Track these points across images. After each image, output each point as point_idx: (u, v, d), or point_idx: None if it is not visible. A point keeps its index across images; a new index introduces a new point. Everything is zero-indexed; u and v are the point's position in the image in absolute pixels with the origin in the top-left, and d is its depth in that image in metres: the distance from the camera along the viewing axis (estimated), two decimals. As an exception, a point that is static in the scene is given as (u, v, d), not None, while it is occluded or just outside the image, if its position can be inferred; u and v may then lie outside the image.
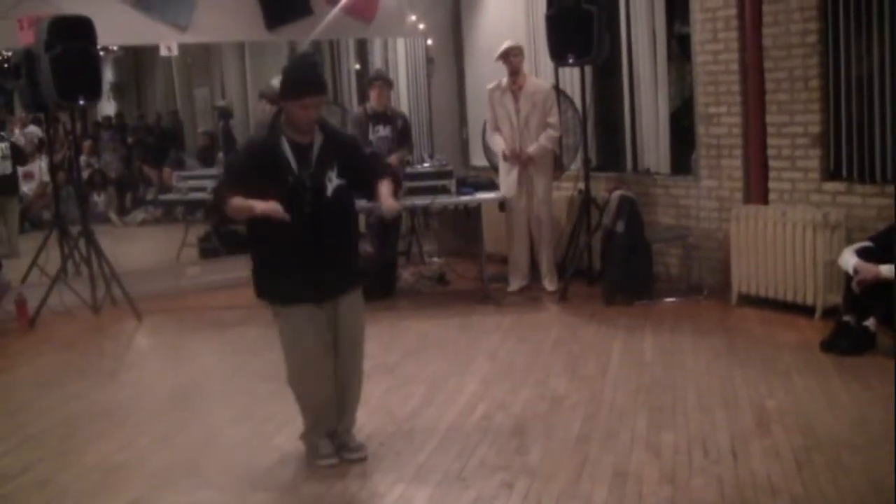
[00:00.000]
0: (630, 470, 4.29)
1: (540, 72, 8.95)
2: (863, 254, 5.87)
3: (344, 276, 4.61)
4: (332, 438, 4.66)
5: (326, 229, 4.45)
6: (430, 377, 5.92)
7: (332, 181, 4.48)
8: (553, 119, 8.04)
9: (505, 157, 8.11)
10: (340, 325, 4.59)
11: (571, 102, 8.67)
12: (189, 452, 4.90)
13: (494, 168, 8.73)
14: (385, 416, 5.23)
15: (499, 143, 8.13)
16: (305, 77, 4.49)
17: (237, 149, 4.64)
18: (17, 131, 12.64)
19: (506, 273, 8.42)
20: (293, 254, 4.46)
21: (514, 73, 8.06)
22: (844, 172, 6.77)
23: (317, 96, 4.41)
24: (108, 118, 14.86)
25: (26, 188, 12.39)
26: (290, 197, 4.36)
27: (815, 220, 6.60)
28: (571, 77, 8.78)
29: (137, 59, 14.70)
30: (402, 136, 8.49)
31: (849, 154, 6.72)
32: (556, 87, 8.51)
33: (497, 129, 8.16)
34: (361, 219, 10.04)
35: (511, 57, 8.01)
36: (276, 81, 10.29)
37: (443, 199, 7.86)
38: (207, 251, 10.03)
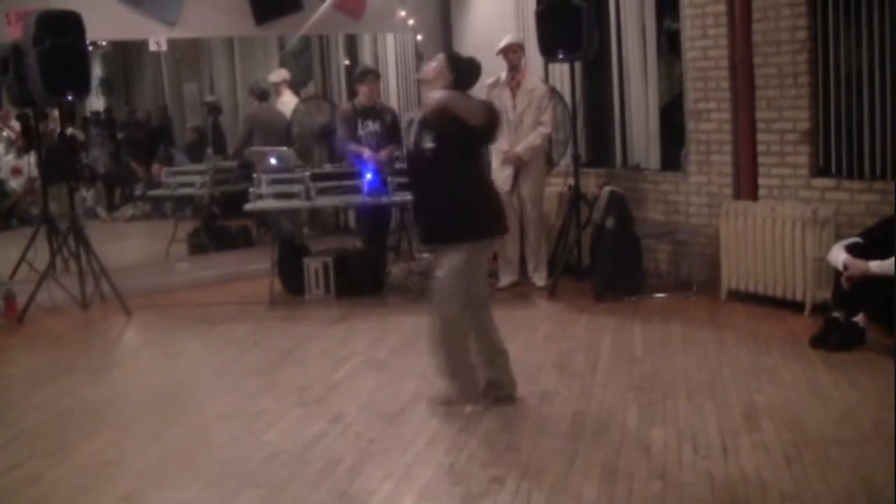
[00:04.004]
0: (620, 466, 4.30)
1: (529, 68, 8.94)
2: (852, 250, 5.89)
3: None
4: None
5: None
6: (420, 373, 5.90)
7: None
8: (546, 117, 8.03)
9: (504, 158, 8.06)
10: None
11: (561, 98, 8.67)
12: (179, 449, 4.89)
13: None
14: (375, 412, 5.23)
15: (500, 142, 8.07)
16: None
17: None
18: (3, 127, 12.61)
19: (495, 269, 8.41)
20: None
21: (513, 69, 8.05)
22: (833, 168, 6.79)
23: None
24: (96, 113, 14.82)
25: (14, 184, 12.36)
26: None
27: (804, 216, 6.61)
28: (561, 73, 8.78)
29: (126, 55, 14.67)
30: (391, 132, 8.48)
31: (838, 150, 6.73)
32: (551, 87, 8.49)
33: None
34: (350, 214, 10.13)
35: (510, 53, 8.00)
36: (272, 76, 10.43)
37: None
38: (197, 247, 10.00)
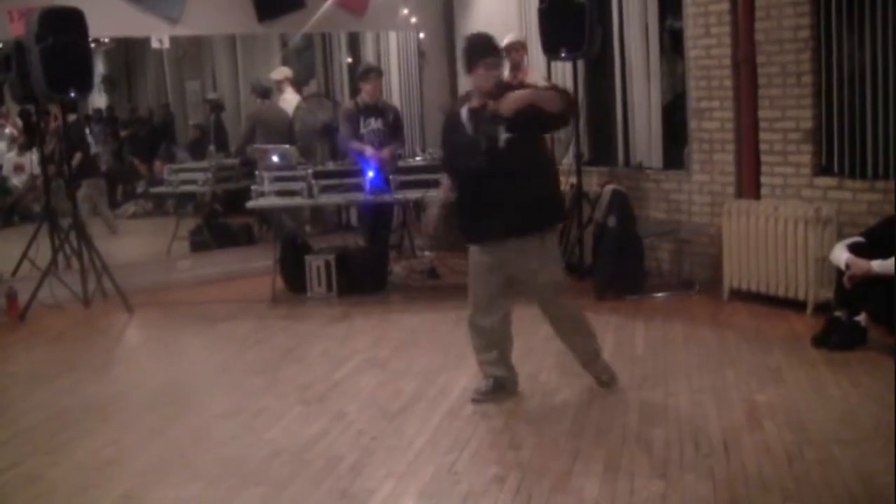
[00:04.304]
0: (622, 464, 4.29)
1: (531, 66, 8.93)
2: (854, 249, 5.88)
3: None
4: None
5: None
6: (421, 372, 5.92)
7: None
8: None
9: None
10: None
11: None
12: (180, 447, 4.89)
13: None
14: (376, 411, 5.23)
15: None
16: None
17: None
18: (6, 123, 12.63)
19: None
20: None
21: (515, 67, 8.04)
22: (836, 168, 6.78)
23: None
24: (98, 111, 14.83)
25: (16, 181, 12.38)
26: None
27: (806, 216, 6.60)
28: (564, 71, 8.78)
29: (128, 52, 14.68)
30: (394, 130, 8.47)
31: (840, 149, 6.72)
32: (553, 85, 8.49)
33: None
34: (352, 212, 10.13)
35: (512, 52, 7.98)
36: (274, 74, 10.43)
37: (434, 193, 7.83)
38: (198, 244, 10.01)
